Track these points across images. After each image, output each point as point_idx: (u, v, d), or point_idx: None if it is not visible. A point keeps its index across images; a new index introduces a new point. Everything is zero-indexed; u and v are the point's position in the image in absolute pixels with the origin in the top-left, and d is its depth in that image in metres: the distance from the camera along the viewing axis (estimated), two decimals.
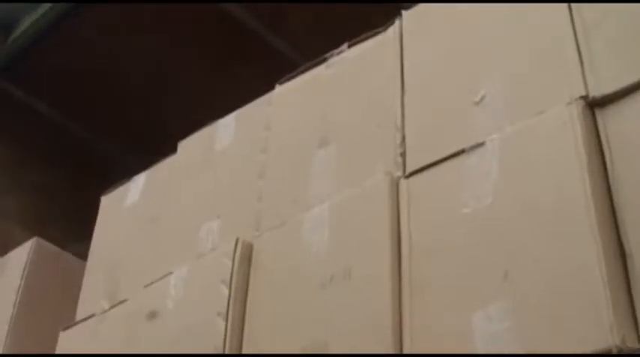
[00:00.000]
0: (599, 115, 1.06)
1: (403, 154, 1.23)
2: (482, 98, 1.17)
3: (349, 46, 1.45)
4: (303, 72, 1.50)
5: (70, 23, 2.48)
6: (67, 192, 2.64)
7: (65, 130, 2.79)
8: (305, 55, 1.49)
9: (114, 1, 2.39)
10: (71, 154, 2.80)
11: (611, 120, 1.05)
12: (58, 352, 1.60)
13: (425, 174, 1.18)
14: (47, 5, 2.47)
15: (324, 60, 1.47)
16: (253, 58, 2.45)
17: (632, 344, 0.88)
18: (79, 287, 1.70)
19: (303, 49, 1.48)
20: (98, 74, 2.60)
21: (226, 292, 1.29)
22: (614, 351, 0.88)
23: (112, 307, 1.55)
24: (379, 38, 1.41)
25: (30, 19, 2.52)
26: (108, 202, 1.80)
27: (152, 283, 1.45)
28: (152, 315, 1.39)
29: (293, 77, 1.51)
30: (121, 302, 1.54)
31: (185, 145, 1.67)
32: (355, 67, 1.42)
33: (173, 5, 2.40)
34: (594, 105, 1.06)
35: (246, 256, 1.32)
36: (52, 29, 2.50)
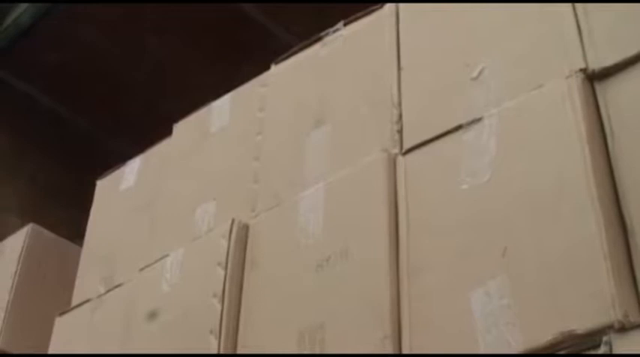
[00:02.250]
0: (599, 88, 1.04)
1: (400, 131, 1.21)
2: (480, 73, 1.15)
3: (345, 25, 1.43)
4: (298, 52, 1.48)
5: (61, 16, 2.45)
6: (69, 184, 2.62)
7: (66, 121, 2.77)
8: None
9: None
10: (73, 146, 2.78)
11: (611, 93, 1.03)
12: (54, 336, 1.59)
13: (422, 151, 1.16)
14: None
15: (320, 39, 1.45)
16: (257, 53, 2.42)
17: (634, 319, 0.87)
18: (75, 273, 1.69)
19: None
20: (99, 65, 2.58)
21: (222, 273, 1.27)
22: (617, 326, 0.86)
23: (108, 291, 1.54)
24: (375, 16, 1.39)
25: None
26: (103, 186, 1.78)
27: (148, 266, 1.44)
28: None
29: (288, 57, 1.49)
30: (117, 286, 1.52)
31: (180, 128, 1.65)
32: (351, 45, 1.40)
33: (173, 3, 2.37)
34: (594, 78, 1.05)
35: (242, 238, 1.31)
36: (45, 20, 2.47)
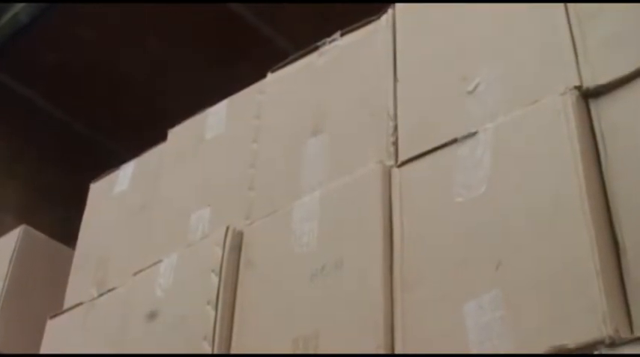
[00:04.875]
0: (593, 105, 1.05)
1: (395, 143, 1.22)
2: (476, 87, 1.17)
3: (342, 35, 1.44)
4: (295, 60, 1.49)
5: (59, 16, 2.45)
6: (67, 186, 2.61)
7: (64, 123, 2.76)
8: None
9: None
10: (71, 147, 2.78)
11: (605, 110, 1.04)
12: (45, 339, 1.59)
13: (417, 163, 1.17)
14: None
15: (317, 48, 1.47)
16: (254, 56, 2.42)
17: (624, 334, 0.88)
18: (67, 275, 1.69)
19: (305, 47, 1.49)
20: (97, 66, 2.58)
21: (216, 280, 1.28)
22: (607, 341, 0.87)
23: (101, 295, 1.54)
24: (372, 26, 1.40)
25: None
26: (96, 189, 1.79)
27: (141, 271, 1.44)
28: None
29: (285, 65, 1.50)
30: (110, 290, 1.53)
31: (175, 133, 1.66)
32: (348, 56, 1.41)
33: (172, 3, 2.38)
34: (588, 95, 1.06)
35: (237, 245, 1.32)
36: (43, 19, 2.47)
